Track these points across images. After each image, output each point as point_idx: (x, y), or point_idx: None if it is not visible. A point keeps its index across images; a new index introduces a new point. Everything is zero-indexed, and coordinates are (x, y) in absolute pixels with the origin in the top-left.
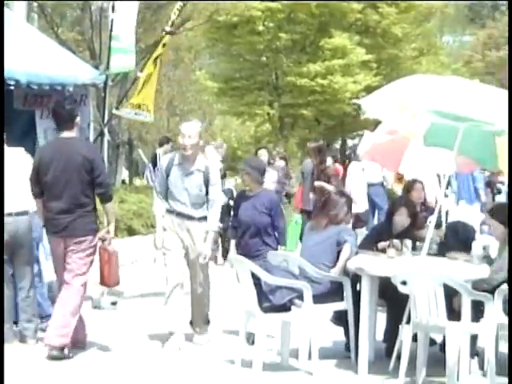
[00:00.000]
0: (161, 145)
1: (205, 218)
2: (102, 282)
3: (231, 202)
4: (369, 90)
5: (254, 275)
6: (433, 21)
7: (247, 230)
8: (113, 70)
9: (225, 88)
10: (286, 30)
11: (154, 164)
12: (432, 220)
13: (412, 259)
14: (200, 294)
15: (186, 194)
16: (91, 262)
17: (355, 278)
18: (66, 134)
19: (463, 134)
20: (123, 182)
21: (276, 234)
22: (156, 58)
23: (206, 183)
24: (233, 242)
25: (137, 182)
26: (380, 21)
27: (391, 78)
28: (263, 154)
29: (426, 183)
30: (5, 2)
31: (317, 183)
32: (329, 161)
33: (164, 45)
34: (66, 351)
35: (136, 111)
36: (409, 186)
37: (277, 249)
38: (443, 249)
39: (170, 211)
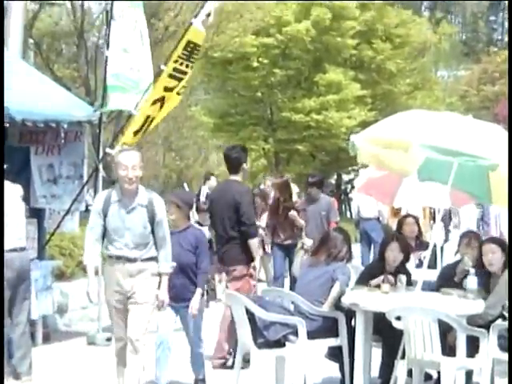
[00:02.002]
0: (206, 180)
1: (152, 258)
2: None
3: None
4: (364, 125)
5: (248, 311)
6: (427, 55)
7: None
8: (110, 107)
9: (220, 123)
10: (281, 65)
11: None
12: (426, 255)
13: (406, 294)
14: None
15: (128, 234)
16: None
17: (350, 314)
18: (231, 177)
19: (457, 169)
20: None
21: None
22: (157, 101)
23: (152, 220)
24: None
25: None
26: (374, 56)
27: (386, 112)
28: (211, 183)
29: (420, 217)
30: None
31: (291, 214)
32: (295, 197)
33: (167, 89)
34: None
35: None
36: (401, 221)
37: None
38: (438, 284)
39: (109, 256)
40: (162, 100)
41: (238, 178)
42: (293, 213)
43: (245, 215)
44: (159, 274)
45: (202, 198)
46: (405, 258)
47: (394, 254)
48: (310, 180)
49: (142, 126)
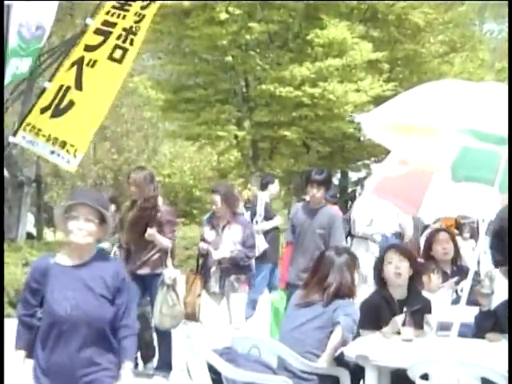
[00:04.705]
0: (265, 186)
1: None
2: None
3: None
4: (379, 101)
5: (212, 368)
6: (469, 3)
7: None
8: (8, 78)
9: (174, 100)
10: (260, 18)
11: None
12: (465, 287)
13: (437, 342)
14: None
15: None
16: None
17: (357, 371)
18: None
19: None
20: (29, 235)
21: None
22: (74, 65)
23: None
24: None
25: (48, 235)
26: (393, 4)
27: (410, 83)
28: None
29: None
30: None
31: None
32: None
33: (89, 47)
34: None
35: (53, 148)
36: (431, 238)
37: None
38: (481, 327)
39: None
40: (79, 63)
41: None
42: (151, 231)
43: None
44: None
45: (261, 211)
46: (419, 280)
47: (443, 245)
48: (317, 177)
49: (53, 100)
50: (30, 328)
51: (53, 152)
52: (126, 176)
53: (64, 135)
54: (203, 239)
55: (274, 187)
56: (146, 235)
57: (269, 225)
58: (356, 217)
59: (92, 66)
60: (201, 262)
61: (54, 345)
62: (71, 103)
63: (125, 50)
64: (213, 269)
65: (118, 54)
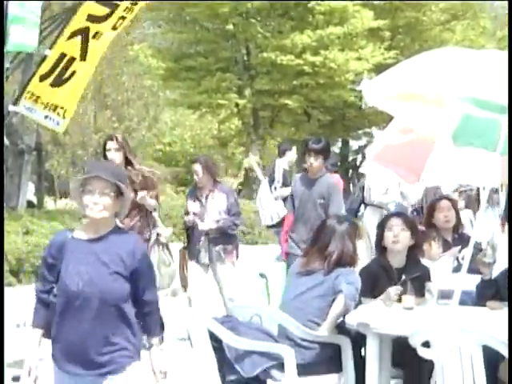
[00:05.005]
0: (283, 153)
1: None
2: None
3: None
4: (380, 69)
5: (213, 336)
6: None
7: None
8: (10, 46)
9: (175, 69)
10: None
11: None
12: (466, 255)
13: (438, 310)
14: None
15: None
16: None
17: (358, 339)
18: None
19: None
20: (30, 203)
21: None
22: (76, 34)
23: None
24: None
25: (49, 204)
26: None
27: (411, 51)
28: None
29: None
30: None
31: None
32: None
33: (93, 18)
34: None
35: (47, 113)
36: (432, 206)
37: None
38: (482, 296)
39: None
40: (85, 33)
41: None
42: (142, 193)
43: None
44: None
45: (279, 178)
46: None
47: (444, 213)
48: (314, 146)
49: (54, 68)
50: (47, 305)
51: (46, 116)
52: (102, 147)
53: (58, 100)
54: (187, 212)
55: (292, 154)
56: (138, 198)
57: (287, 191)
58: (371, 185)
59: (98, 39)
60: (188, 234)
61: (68, 322)
62: (73, 73)
63: (124, 19)
64: (201, 240)
65: (119, 23)
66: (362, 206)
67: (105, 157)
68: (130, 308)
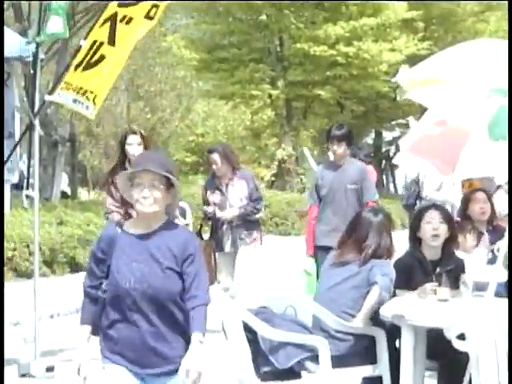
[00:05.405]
0: None
1: None
2: None
3: None
4: (414, 60)
5: (247, 328)
6: None
7: None
8: (45, 36)
9: (208, 60)
10: None
11: None
12: (502, 247)
13: (474, 302)
14: None
15: None
16: None
17: (393, 331)
18: None
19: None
20: (63, 194)
21: None
22: (108, 21)
23: None
24: None
25: (83, 194)
26: None
27: (445, 43)
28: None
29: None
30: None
31: None
32: None
33: (123, 4)
34: None
35: (75, 97)
36: (467, 197)
37: None
38: None
39: None
40: (113, 17)
41: None
42: None
43: None
44: None
45: None
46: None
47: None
48: (337, 133)
49: (86, 55)
50: (95, 301)
51: (75, 100)
52: (122, 139)
53: (87, 84)
54: (207, 203)
55: None
56: None
57: None
58: (425, 179)
59: (126, 23)
60: (209, 225)
61: (118, 320)
62: (102, 57)
63: (157, 7)
64: (224, 228)
65: (153, 12)
66: (417, 200)
67: (123, 150)
68: (182, 305)
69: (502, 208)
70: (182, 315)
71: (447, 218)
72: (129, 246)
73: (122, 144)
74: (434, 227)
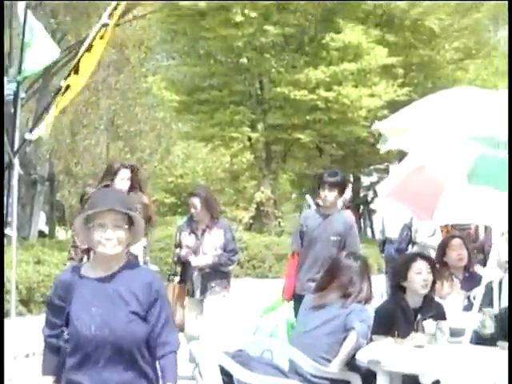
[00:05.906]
0: None
1: None
2: None
3: None
4: (393, 106)
5: (224, 371)
6: (483, 9)
7: None
8: (27, 71)
9: (188, 101)
10: (275, 20)
11: None
12: (477, 295)
13: (449, 349)
14: None
15: None
16: None
17: (368, 376)
18: None
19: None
20: (41, 233)
21: None
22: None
23: None
24: None
25: (60, 234)
26: (409, 10)
27: (425, 89)
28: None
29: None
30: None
31: None
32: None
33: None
34: None
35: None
36: (445, 243)
37: None
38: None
39: None
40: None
41: None
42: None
43: None
44: None
45: None
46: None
47: (457, 251)
48: (329, 179)
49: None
50: (57, 351)
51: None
52: (112, 173)
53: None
54: (180, 245)
55: (348, 191)
56: None
57: None
58: (419, 226)
59: (89, 51)
60: (180, 269)
61: (81, 369)
62: (67, 87)
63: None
64: (195, 275)
65: (102, 30)
66: (410, 245)
67: (111, 184)
68: (148, 352)
69: (504, 257)
70: (148, 360)
71: (431, 265)
72: (88, 290)
73: (111, 179)
74: (424, 278)
